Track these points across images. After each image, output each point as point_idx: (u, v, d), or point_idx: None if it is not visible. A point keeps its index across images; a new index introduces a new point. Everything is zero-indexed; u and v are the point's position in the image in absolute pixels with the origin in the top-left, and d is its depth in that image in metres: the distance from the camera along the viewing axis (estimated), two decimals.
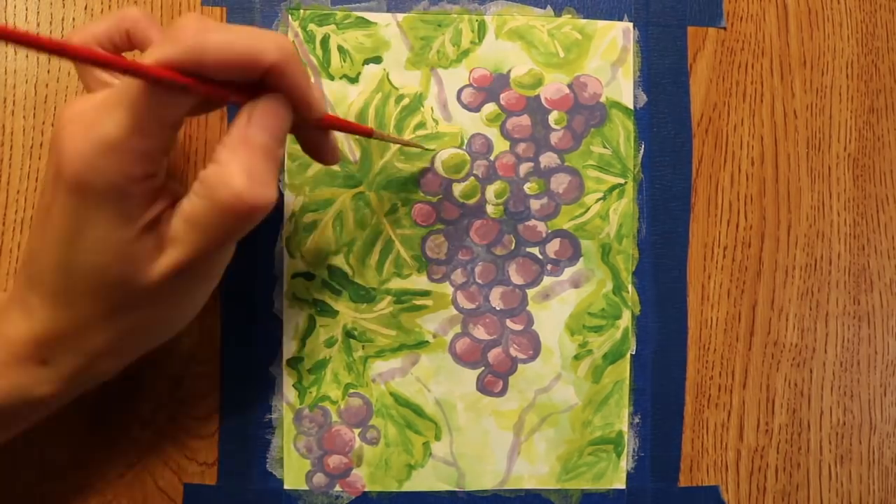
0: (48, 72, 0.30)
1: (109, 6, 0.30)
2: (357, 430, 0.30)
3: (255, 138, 0.21)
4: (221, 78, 0.20)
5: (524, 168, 0.31)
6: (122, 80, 0.20)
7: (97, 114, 0.20)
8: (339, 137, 0.30)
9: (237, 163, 0.21)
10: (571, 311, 0.31)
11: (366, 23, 0.31)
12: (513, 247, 0.31)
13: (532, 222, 0.31)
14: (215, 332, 0.30)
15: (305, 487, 0.30)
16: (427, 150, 0.30)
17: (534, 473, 0.30)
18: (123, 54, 0.25)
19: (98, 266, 0.21)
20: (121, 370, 0.25)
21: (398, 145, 0.30)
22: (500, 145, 0.31)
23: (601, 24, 0.31)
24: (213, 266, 0.24)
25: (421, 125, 0.30)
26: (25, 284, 0.22)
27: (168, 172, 0.23)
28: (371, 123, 0.30)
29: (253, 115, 0.21)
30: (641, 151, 0.31)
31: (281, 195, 0.30)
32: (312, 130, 0.25)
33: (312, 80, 0.23)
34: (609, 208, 0.31)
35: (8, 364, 0.22)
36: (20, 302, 0.23)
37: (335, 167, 0.30)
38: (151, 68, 0.19)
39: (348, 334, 0.30)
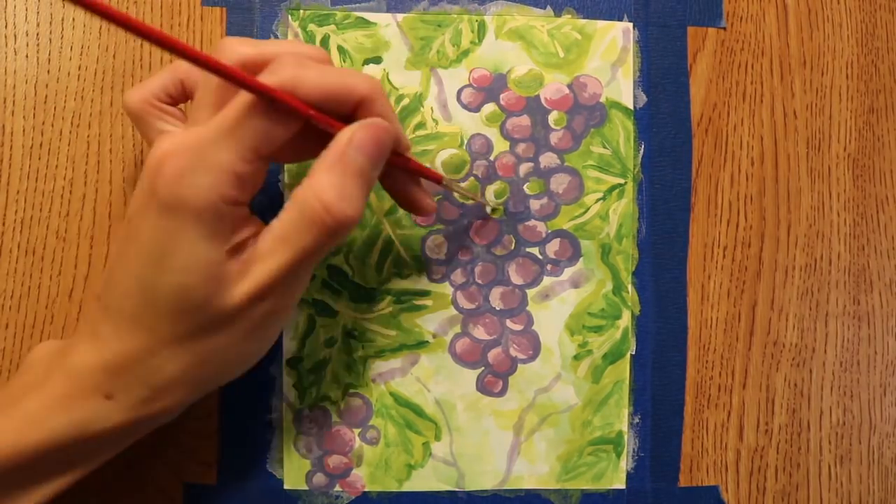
0: (48, 72, 0.30)
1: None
2: (357, 430, 0.30)
3: (352, 159, 0.22)
4: (316, 107, 0.22)
5: (524, 168, 0.31)
6: (220, 112, 0.21)
7: (196, 134, 0.21)
8: None
9: (330, 179, 0.21)
10: (571, 312, 0.31)
11: (366, 23, 0.31)
12: (513, 247, 0.31)
13: (532, 222, 0.31)
14: None
15: (305, 487, 0.30)
16: (479, 200, 0.30)
17: (534, 473, 0.30)
18: (180, 107, 0.26)
19: (183, 287, 0.21)
20: (189, 403, 0.24)
21: None
22: (500, 145, 0.31)
23: (601, 24, 0.31)
24: (290, 292, 0.24)
25: (421, 125, 0.31)
26: (99, 314, 0.22)
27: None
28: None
29: (354, 138, 0.22)
30: (641, 151, 0.31)
31: (281, 195, 0.30)
32: (400, 179, 0.26)
33: None
34: (609, 208, 0.31)
35: (72, 397, 0.22)
36: (90, 333, 0.22)
37: None
38: (272, 88, 0.20)
39: (348, 334, 0.30)
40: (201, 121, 0.22)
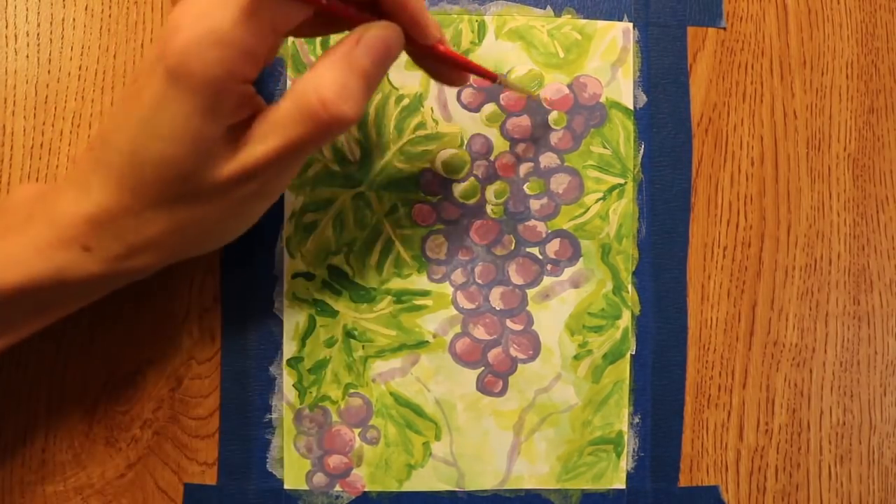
0: (48, 72, 0.30)
1: (110, 6, 0.30)
2: (357, 430, 0.30)
3: (358, 59, 0.22)
4: None
5: (524, 168, 0.31)
6: None
7: (214, 5, 0.20)
8: (340, 138, 0.30)
9: (332, 75, 0.21)
10: (571, 311, 0.31)
11: None
12: (513, 247, 0.31)
13: (532, 222, 0.31)
14: (215, 332, 0.30)
15: (305, 487, 0.30)
16: (532, 95, 0.30)
17: (534, 473, 0.30)
18: None
19: (173, 157, 0.21)
20: (162, 266, 0.25)
21: (402, 143, 0.30)
22: (500, 145, 0.31)
23: (601, 24, 0.31)
24: (278, 179, 0.24)
25: (421, 125, 0.31)
26: (90, 165, 0.23)
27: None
28: (371, 124, 0.30)
29: (363, 38, 0.22)
30: (641, 151, 0.31)
31: (281, 195, 0.30)
32: (432, 60, 0.25)
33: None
34: (609, 208, 0.31)
35: (52, 244, 0.23)
36: (79, 182, 0.23)
37: (335, 167, 0.30)
38: None
39: (348, 334, 0.30)
40: None
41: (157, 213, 0.23)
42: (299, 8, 0.21)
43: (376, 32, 0.22)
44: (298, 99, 0.21)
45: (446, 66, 0.26)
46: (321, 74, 0.21)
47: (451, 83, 0.27)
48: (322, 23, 0.24)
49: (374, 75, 0.22)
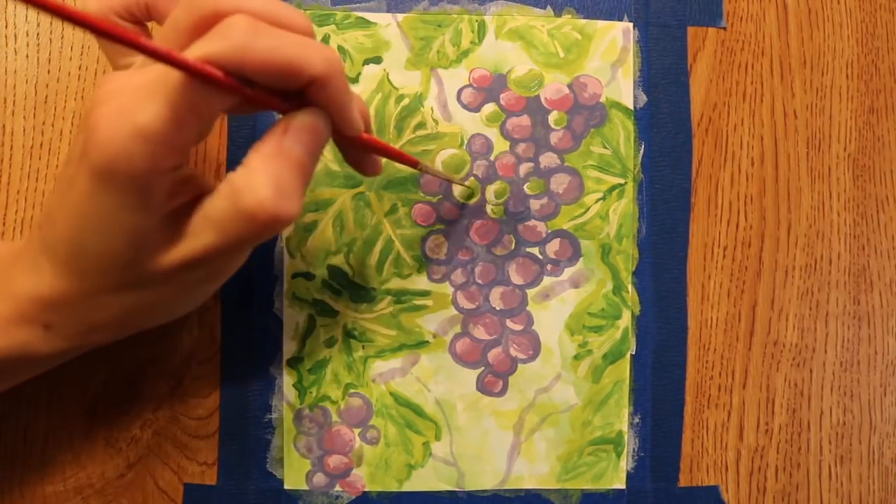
0: (48, 72, 0.30)
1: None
2: (357, 430, 0.30)
3: (290, 150, 0.21)
4: (263, 83, 0.20)
5: (524, 168, 0.31)
6: (159, 65, 0.19)
7: (135, 99, 0.19)
8: None
9: (267, 172, 0.21)
10: (571, 311, 0.31)
11: (366, 23, 0.31)
12: (513, 247, 0.31)
13: (532, 222, 0.31)
14: (215, 332, 0.30)
15: (305, 487, 0.30)
16: (468, 188, 0.30)
17: (534, 473, 0.30)
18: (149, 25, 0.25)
19: (110, 249, 0.21)
20: (123, 336, 0.25)
21: (402, 143, 0.30)
22: (500, 145, 0.31)
23: (601, 24, 0.31)
24: (226, 266, 0.24)
25: (421, 125, 0.31)
26: (39, 246, 0.23)
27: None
28: (371, 124, 0.30)
29: (290, 127, 0.21)
30: (641, 151, 0.31)
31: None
32: (353, 146, 0.25)
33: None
34: (609, 208, 0.31)
35: (12, 321, 0.23)
36: (31, 261, 0.23)
37: (335, 167, 0.30)
38: (196, 64, 0.19)
39: (348, 334, 0.30)
40: (170, 41, 0.20)
41: (108, 299, 0.23)
42: (223, 98, 0.20)
43: (304, 119, 0.21)
44: (234, 199, 0.21)
45: (369, 154, 0.25)
46: (255, 172, 0.21)
47: (366, 172, 0.26)
48: (250, 106, 0.23)
49: (308, 164, 0.22)
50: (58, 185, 0.22)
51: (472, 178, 0.31)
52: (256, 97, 0.20)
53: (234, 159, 0.30)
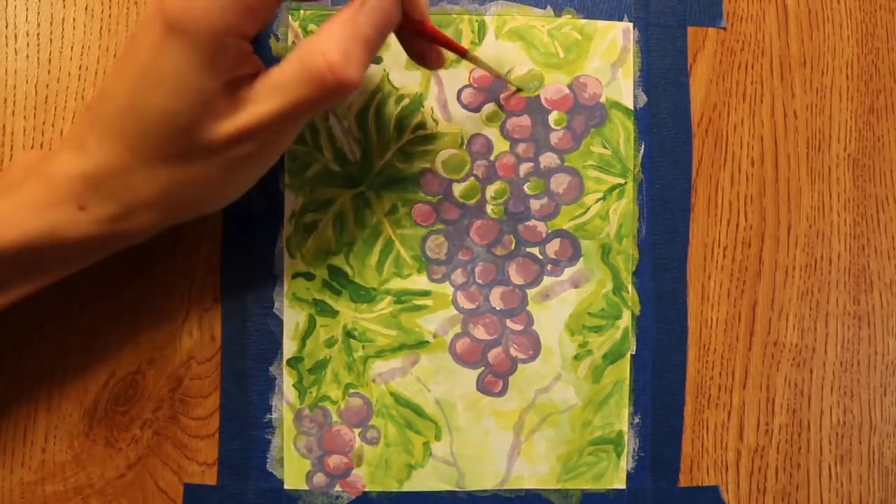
0: (48, 72, 0.30)
1: (110, 6, 0.30)
2: (357, 430, 0.30)
3: (362, 25, 0.22)
4: None
5: (524, 168, 0.31)
6: None
7: None
8: (340, 138, 0.30)
9: (338, 38, 0.22)
10: (571, 311, 0.31)
11: None
12: (513, 247, 0.31)
13: (532, 222, 0.31)
14: (215, 332, 0.30)
15: (305, 487, 0.30)
16: (502, 77, 0.30)
17: (534, 473, 0.30)
18: None
19: (172, 110, 0.21)
20: (157, 230, 0.25)
21: (402, 142, 0.30)
22: (500, 145, 0.31)
23: (601, 24, 0.31)
24: (276, 142, 0.24)
25: (421, 125, 0.31)
26: (87, 125, 0.23)
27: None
28: (371, 124, 0.30)
29: (367, 4, 0.22)
30: (641, 151, 0.31)
31: (281, 195, 0.30)
32: (415, 38, 0.26)
33: None
34: (609, 208, 0.31)
35: (47, 203, 0.23)
36: (76, 141, 0.23)
37: (335, 167, 0.30)
38: None
39: (348, 334, 0.30)
40: None
41: (154, 171, 0.22)
42: None
43: (378, 0, 0.22)
44: (304, 60, 0.22)
45: (428, 44, 0.26)
46: (328, 38, 0.22)
47: (429, 65, 0.27)
48: None
49: (376, 42, 0.23)
50: (119, 60, 0.22)
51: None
52: None
53: None
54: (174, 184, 0.23)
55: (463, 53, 0.28)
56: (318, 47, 0.21)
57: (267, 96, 0.22)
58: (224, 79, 0.21)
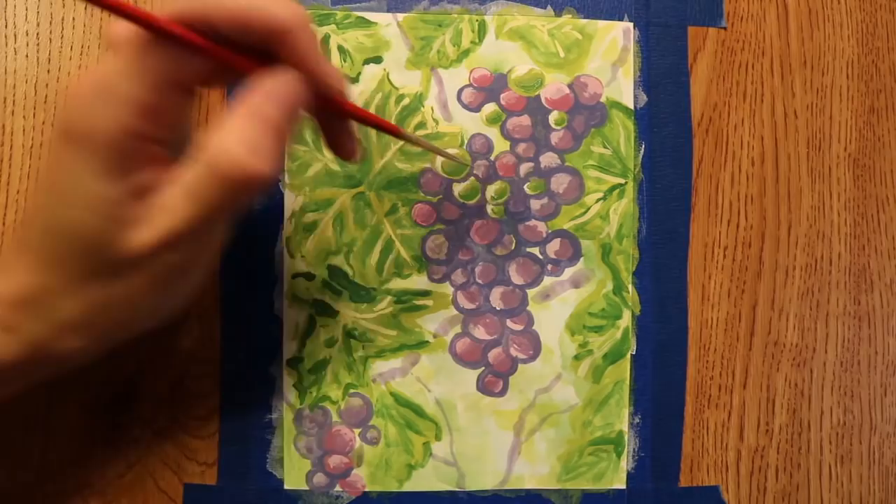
0: (48, 72, 0.30)
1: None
2: (357, 430, 0.30)
3: (262, 109, 0.21)
4: (232, 37, 0.20)
5: (524, 168, 0.31)
6: (134, 30, 0.20)
7: (102, 61, 0.20)
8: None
9: (240, 131, 0.20)
10: (572, 311, 0.31)
11: (366, 23, 0.31)
12: (513, 247, 0.31)
13: (532, 222, 0.31)
14: (215, 332, 0.30)
15: (306, 487, 0.30)
16: (462, 163, 0.30)
17: (534, 473, 0.30)
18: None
19: (80, 223, 0.20)
20: (90, 357, 0.24)
21: (402, 143, 0.30)
22: (501, 145, 0.31)
23: (601, 24, 0.31)
24: (201, 248, 0.23)
25: (421, 125, 0.30)
26: (14, 246, 0.22)
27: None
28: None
29: (261, 86, 0.21)
30: (641, 151, 0.31)
31: (281, 195, 0.30)
32: (334, 120, 0.24)
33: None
34: (609, 208, 0.31)
35: None
36: (3, 265, 0.22)
37: (335, 167, 0.30)
38: (159, 19, 0.19)
39: (348, 334, 0.30)
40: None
41: (76, 292, 0.21)
42: (192, 59, 0.20)
43: (278, 80, 0.21)
44: (210, 162, 0.20)
45: (345, 133, 0.25)
46: (229, 132, 0.20)
47: (345, 157, 0.25)
48: (227, 72, 0.22)
49: (282, 123, 0.21)
50: (37, 180, 0.22)
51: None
52: (225, 56, 0.20)
53: None
54: (99, 302, 0.22)
55: (395, 132, 0.26)
56: (218, 144, 0.20)
57: (178, 202, 0.21)
58: (129, 186, 0.20)
